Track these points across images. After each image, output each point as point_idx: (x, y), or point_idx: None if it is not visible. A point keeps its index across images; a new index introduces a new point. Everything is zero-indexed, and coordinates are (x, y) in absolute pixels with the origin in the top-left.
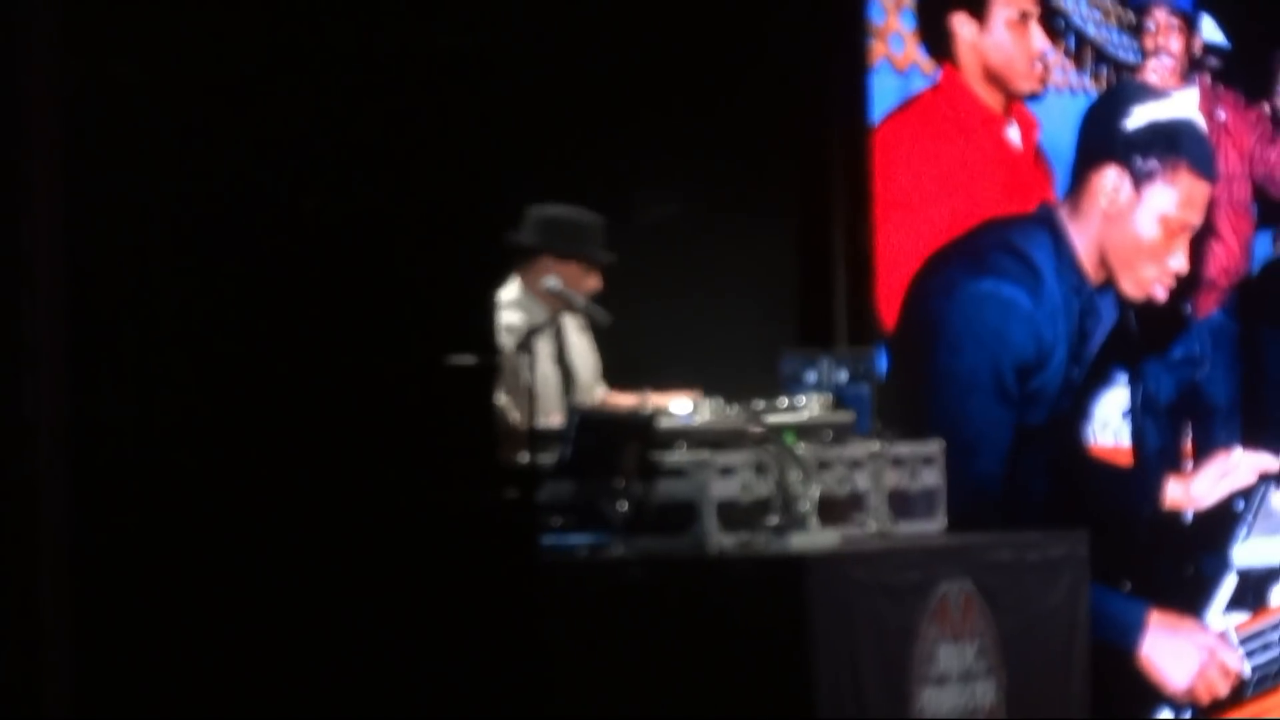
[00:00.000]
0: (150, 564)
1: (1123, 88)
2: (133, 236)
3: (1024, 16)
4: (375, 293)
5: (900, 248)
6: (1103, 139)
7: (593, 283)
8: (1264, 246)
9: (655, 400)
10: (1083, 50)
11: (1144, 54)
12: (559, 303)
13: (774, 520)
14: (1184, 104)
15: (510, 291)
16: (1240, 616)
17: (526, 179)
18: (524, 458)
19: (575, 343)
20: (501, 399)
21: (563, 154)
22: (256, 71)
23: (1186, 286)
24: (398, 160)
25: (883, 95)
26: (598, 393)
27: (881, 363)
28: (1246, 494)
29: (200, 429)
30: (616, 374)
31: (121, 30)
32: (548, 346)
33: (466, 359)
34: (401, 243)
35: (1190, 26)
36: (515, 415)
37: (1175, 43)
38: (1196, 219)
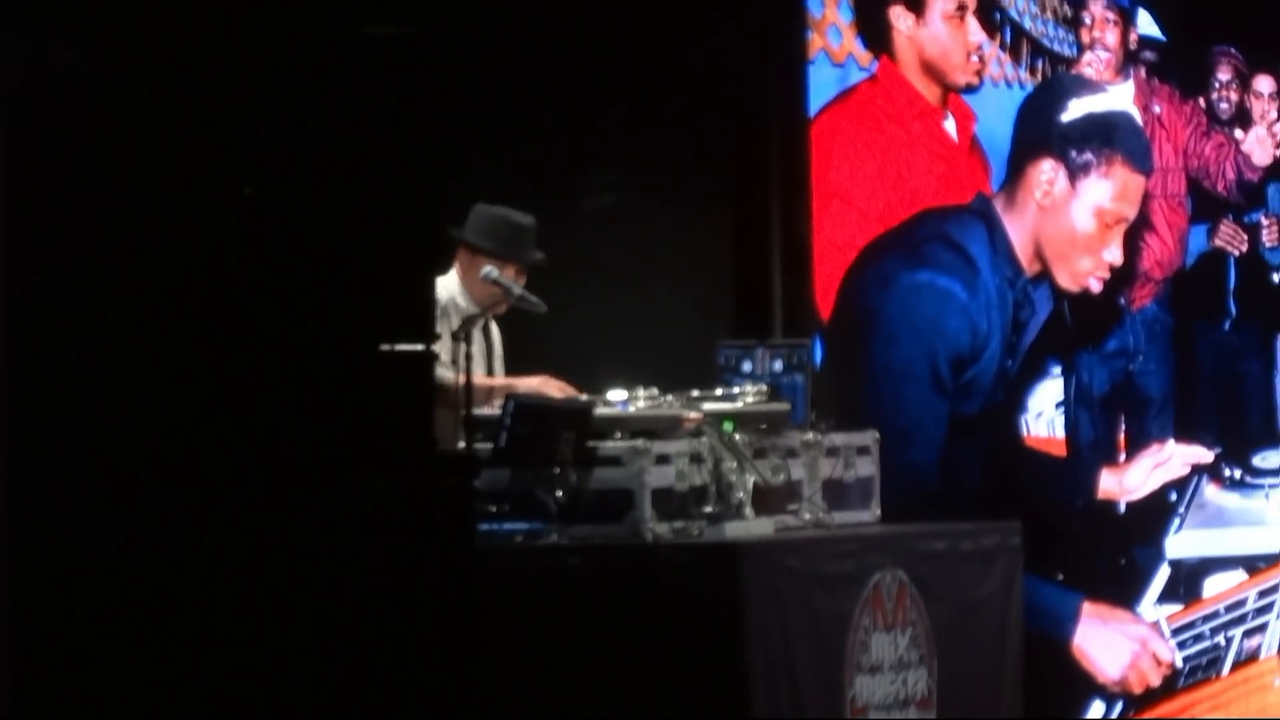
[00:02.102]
0: (86, 552)
1: (1059, 81)
2: (69, 224)
3: (961, 9)
4: (313, 279)
5: (836, 239)
6: (1039, 131)
7: (519, 283)
8: (1198, 240)
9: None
10: (1019, 43)
11: (1080, 47)
12: (496, 292)
13: (709, 509)
14: (1120, 97)
15: (450, 282)
16: (1173, 607)
17: (466, 167)
18: (461, 445)
19: (495, 332)
20: (442, 383)
21: (502, 143)
22: (197, 60)
23: (1121, 279)
24: (336, 147)
25: (820, 87)
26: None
27: (817, 353)
28: (1179, 486)
29: (137, 415)
30: (553, 363)
31: (61, 18)
32: (477, 343)
33: (404, 345)
34: (339, 229)
35: (1127, 20)
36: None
37: (1112, 36)
38: (1131, 212)
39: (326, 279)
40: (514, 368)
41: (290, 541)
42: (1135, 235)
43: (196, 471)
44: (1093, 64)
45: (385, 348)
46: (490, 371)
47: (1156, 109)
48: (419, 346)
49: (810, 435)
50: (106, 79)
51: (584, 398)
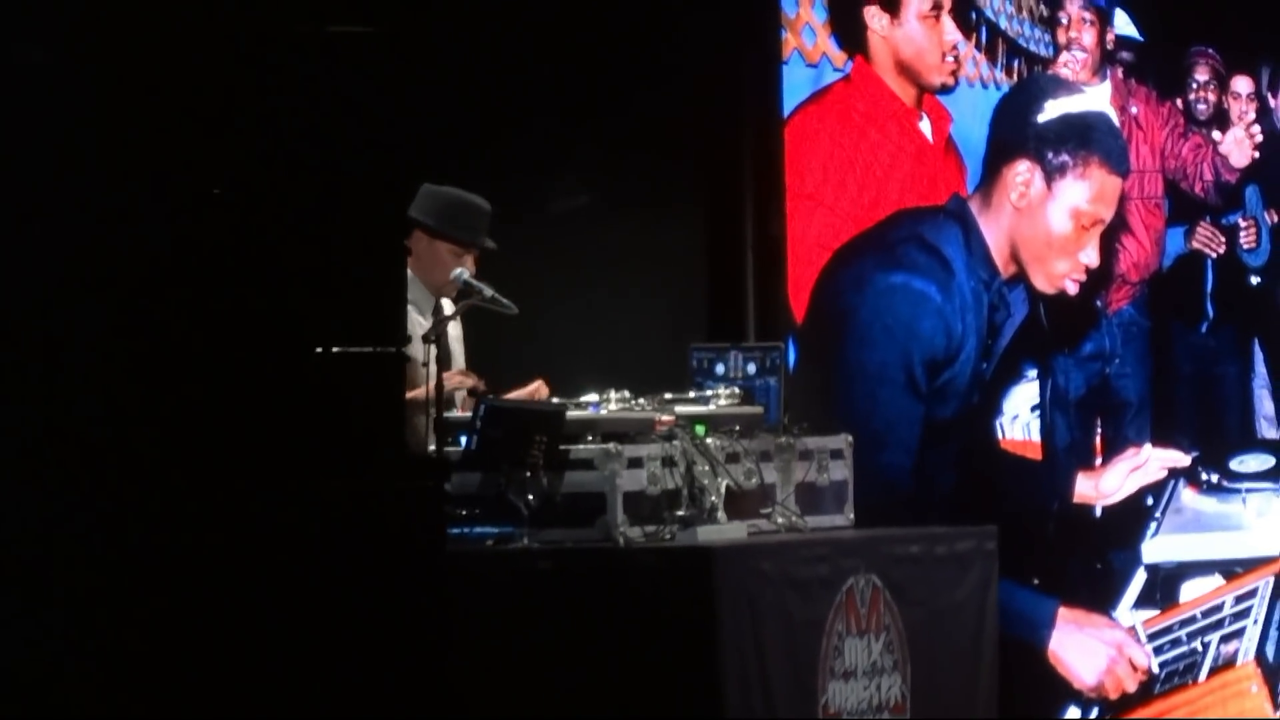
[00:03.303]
0: (48, 554)
1: (1035, 81)
2: (36, 222)
3: (936, 9)
4: (282, 279)
5: (811, 240)
6: (1014, 132)
7: (470, 267)
8: (1175, 242)
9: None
10: (995, 43)
11: (1057, 48)
12: (468, 290)
13: (682, 512)
14: (1096, 98)
15: None
16: (1149, 612)
17: (435, 167)
18: (431, 448)
19: (453, 334)
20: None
21: (472, 143)
22: (165, 59)
23: (1098, 281)
24: (305, 146)
25: (794, 87)
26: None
27: (791, 355)
28: (1156, 490)
29: (103, 417)
30: (525, 366)
31: (26, 17)
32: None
33: (375, 347)
34: (308, 230)
35: (1104, 21)
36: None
37: (1088, 37)
38: (1108, 213)
39: (295, 279)
40: (484, 370)
41: (258, 544)
42: (1112, 237)
43: (162, 473)
44: (1069, 64)
45: (355, 349)
46: (447, 365)
47: (1134, 110)
48: (390, 348)
49: (784, 438)
50: (74, 78)
51: (555, 400)
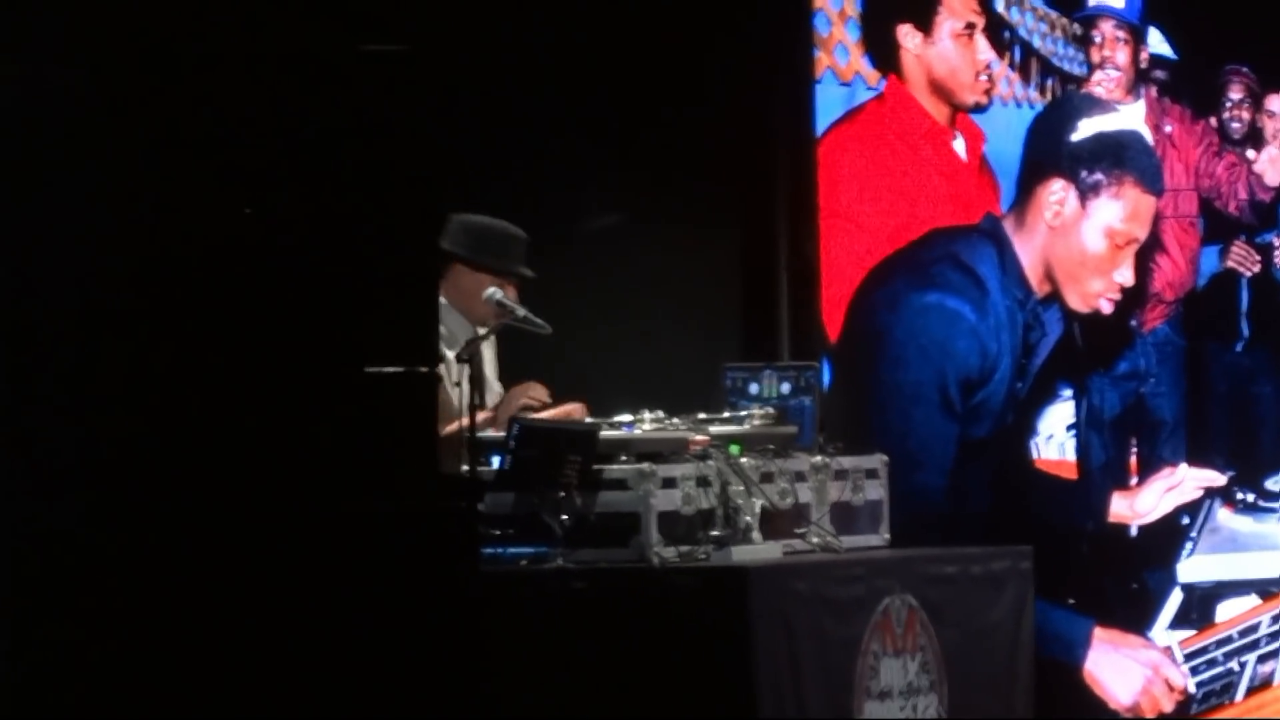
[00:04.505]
0: (82, 575)
1: (1069, 100)
2: (65, 243)
3: (970, 28)
4: (314, 298)
5: (844, 259)
6: (1048, 151)
7: (513, 295)
8: (1210, 261)
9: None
10: (1029, 62)
11: (1090, 66)
12: (492, 312)
13: (716, 532)
14: (1130, 117)
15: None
16: (1185, 633)
17: (466, 187)
18: (464, 468)
19: (486, 357)
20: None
21: (503, 163)
22: (194, 78)
23: (1132, 300)
24: (335, 166)
25: (827, 106)
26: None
27: (825, 375)
28: (1192, 509)
29: (134, 438)
30: (559, 386)
31: (53, 34)
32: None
33: (407, 366)
34: (340, 248)
35: (1137, 39)
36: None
37: (1122, 55)
38: (1142, 233)
39: (327, 298)
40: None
41: (290, 566)
42: (1146, 256)
43: (194, 494)
44: (1103, 83)
45: (388, 369)
46: (480, 394)
47: (1168, 128)
48: (422, 368)
49: (818, 458)
50: (101, 97)
51: (589, 420)
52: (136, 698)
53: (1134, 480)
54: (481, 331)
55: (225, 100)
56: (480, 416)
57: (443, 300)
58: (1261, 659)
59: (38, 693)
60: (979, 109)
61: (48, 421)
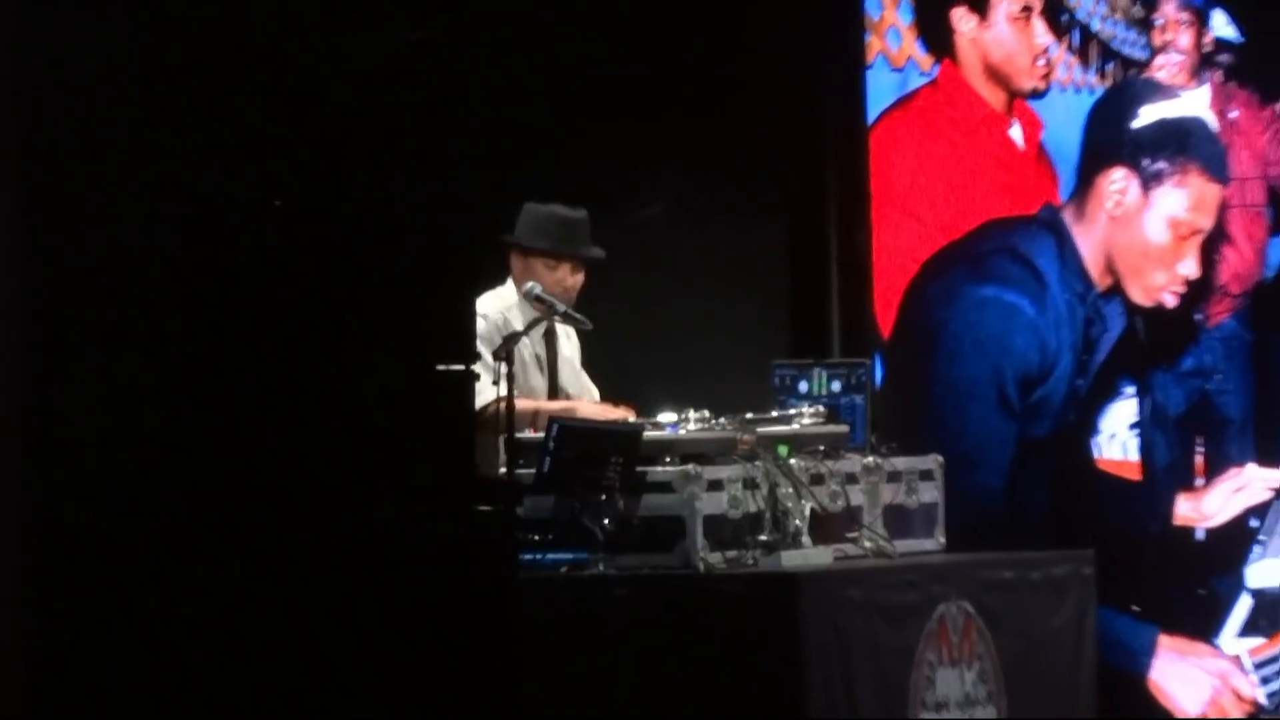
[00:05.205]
0: (116, 576)
1: (1130, 85)
2: (97, 240)
3: (1027, 11)
4: (347, 296)
5: (897, 252)
6: (1109, 139)
7: (563, 276)
8: (1278, 252)
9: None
10: (1089, 46)
11: (1153, 50)
12: (539, 306)
13: (764, 537)
14: (1194, 102)
15: (506, 294)
16: (1255, 640)
17: (509, 178)
18: (502, 470)
19: (565, 354)
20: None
21: (546, 152)
22: (223, 67)
23: (1197, 293)
24: (370, 157)
25: (879, 92)
26: (579, 401)
27: (877, 372)
28: (1261, 511)
29: (169, 439)
30: (601, 384)
31: (83, 27)
32: (533, 351)
33: (444, 365)
34: (374, 243)
35: (1201, 21)
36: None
37: (1186, 38)
38: (1207, 222)
39: (360, 296)
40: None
41: (325, 569)
42: (1212, 247)
43: (227, 495)
44: (1166, 67)
45: (424, 368)
46: (554, 382)
47: (1233, 114)
48: (459, 367)
49: (870, 459)
50: (128, 88)
51: (632, 420)
52: (165, 702)
53: (1200, 481)
54: (540, 329)
55: (258, 89)
56: (555, 405)
57: (513, 290)
58: None
59: (69, 697)
60: (1037, 95)
61: (81, 422)
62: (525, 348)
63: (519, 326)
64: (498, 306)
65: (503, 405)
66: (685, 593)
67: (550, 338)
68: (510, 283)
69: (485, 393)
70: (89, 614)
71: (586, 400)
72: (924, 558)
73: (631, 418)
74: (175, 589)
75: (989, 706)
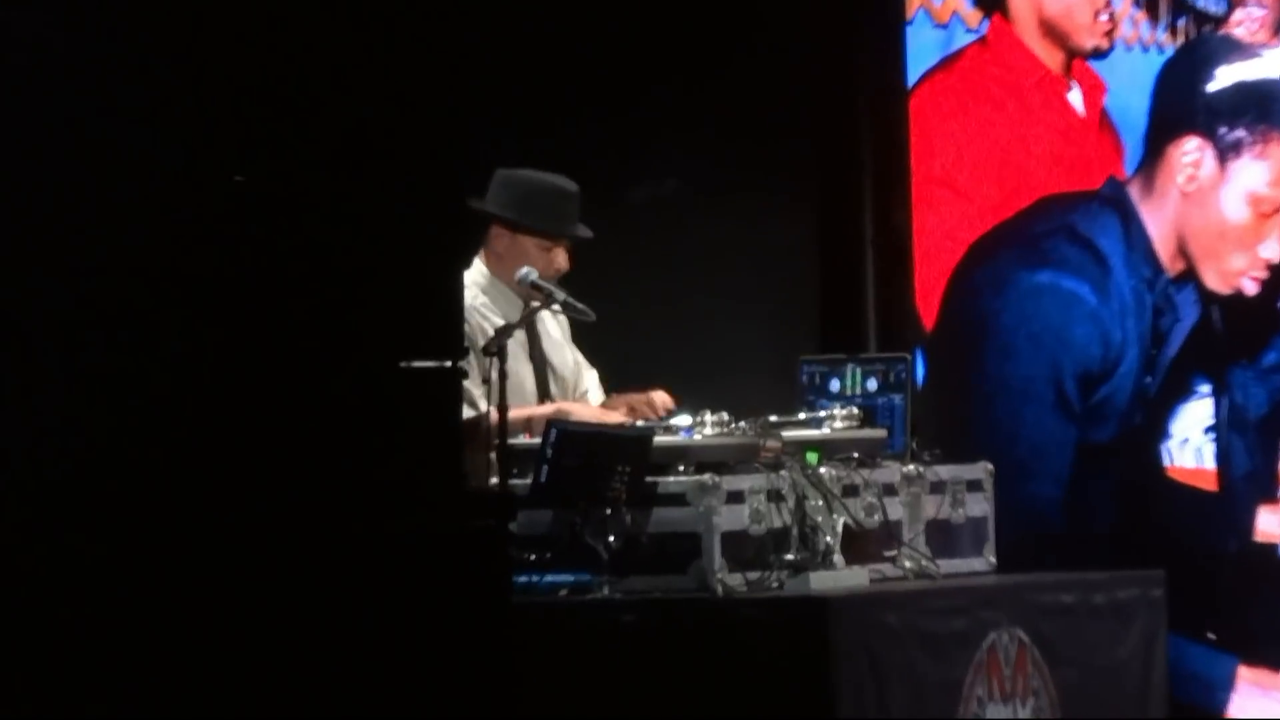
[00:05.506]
0: (88, 592)
1: (1205, 44)
2: (31, 216)
3: None
4: (314, 282)
5: (941, 233)
6: (1181, 104)
7: (560, 260)
8: None
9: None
10: None
11: (1230, 4)
12: (535, 295)
13: (791, 556)
14: (1277, 63)
15: (472, 273)
16: None
17: (496, 149)
18: (494, 481)
19: (552, 335)
20: (469, 410)
21: (540, 120)
22: (177, 24)
23: None
24: (342, 125)
25: (920, 52)
26: (589, 399)
27: (919, 369)
28: None
29: (132, 443)
30: (605, 382)
31: None
32: (520, 343)
33: (426, 362)
34: (345, 223)
35: None
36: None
37: None
38: None
39: (330, 282)
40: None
41: (296, 596)
42: None
43: (187, 507)
44: (1244, 23)
45: (404, 365)
46: (544, 376)
47: None
48: (444, 363)
49: (911, 467)
50: (71, 45)
51: (640, 424)
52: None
53: None
54: (512, 319)
55: (215, 49)
56: (547, 409)
57: (485, 271)
58: None
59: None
60: (1099, 54)
61: (34, 426)
62: (513, 344)
63: (496, 315)
64: (467, 294)
65: (494, 412)
66: (701, 619)
67: (531, 325)
68: (479, 263)
69: (473, 397)
70: (34, 651)
71: (587, 382)
72: (972, 579)
73: (669, 405)
74: (145, 613)
75: None
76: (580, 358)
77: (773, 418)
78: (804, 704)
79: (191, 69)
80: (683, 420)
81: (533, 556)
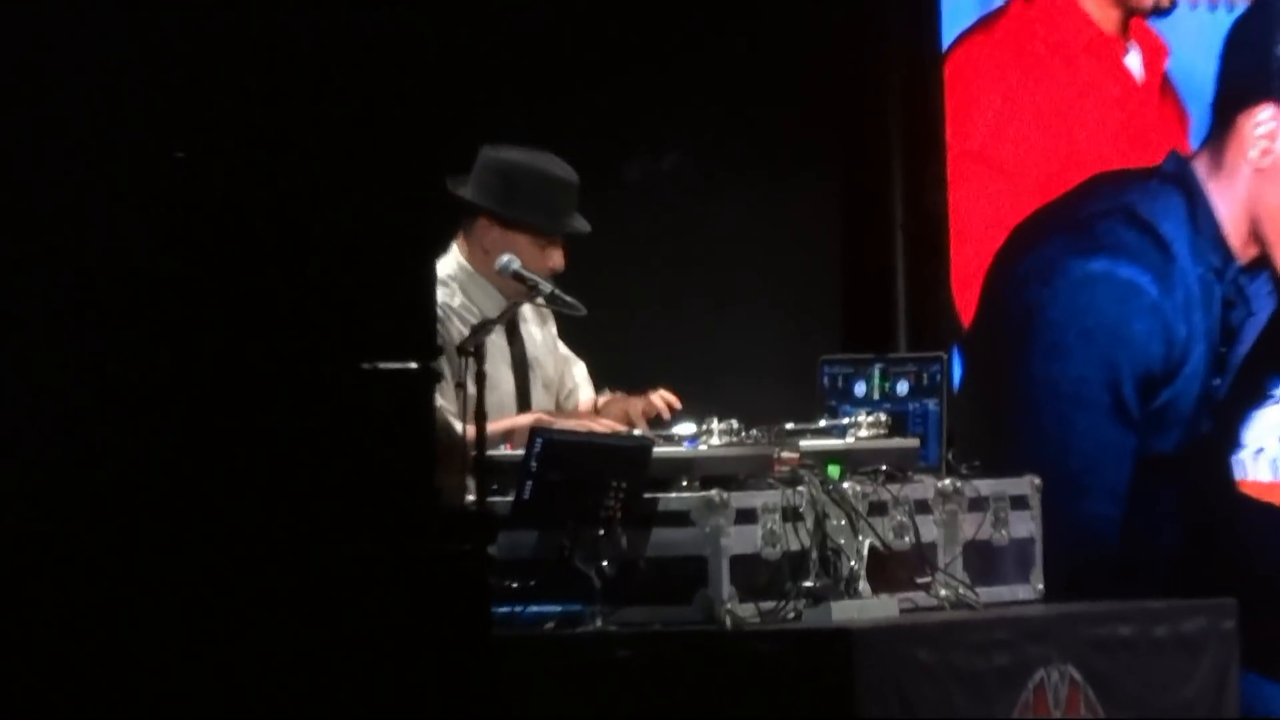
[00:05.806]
0: (46, 618)
1: None
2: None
3: None
4: (269, 274)
5: (980, 215)
6: (1253, 69)
7: (556, 259)
8: None
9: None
10: None
11: None
12: (519, 288)
13: (810, 583)
14: None
15: (446, 264)
16: None
17: (477, 124)
18: (471, 498)
19: (535, 333)
20: (442, 417)
21: (527, 91)
22: (158, 22)
23: None
24: (302, 96)
25: (956, 10)
26: (577, 395)
27: (956, 370)
28: None
29: (87, 453)
30: (599, 385)
31: None
32: (500, 341)
33: (398, 364)
34: (305, 207)
35: None
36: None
37: None
38: None
39: (287, 274)
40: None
41: (253, 629)
42: None
43: (140, 526)
44: None
45: (367, 366)
46: (524, 377)
47: None
48: (413, 364)
49: (947, 482)
50: (25, 31)
51: (638, 433)
52: None
53: None
54: (490, 315)
55: (156, 20)
56: (528, 418)
57: (464, 264)
58: None
59: None
60: (1160, 12)
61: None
62: (494, 348)
63: (472, 308)
64: (443, 292)
65: (469, 424)
66: (707, 655)
67: (513, 321)
68: (456, 253)
69: (445, 416)
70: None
71: (574, 376)
72: (1016, 609)
73: (674, 404)
74: (105, 643)
75: None
76: (566, 350)
77: (789, 426)
78: None
79: (131, 37)
80: (686, 429)
81: (515, 584)
